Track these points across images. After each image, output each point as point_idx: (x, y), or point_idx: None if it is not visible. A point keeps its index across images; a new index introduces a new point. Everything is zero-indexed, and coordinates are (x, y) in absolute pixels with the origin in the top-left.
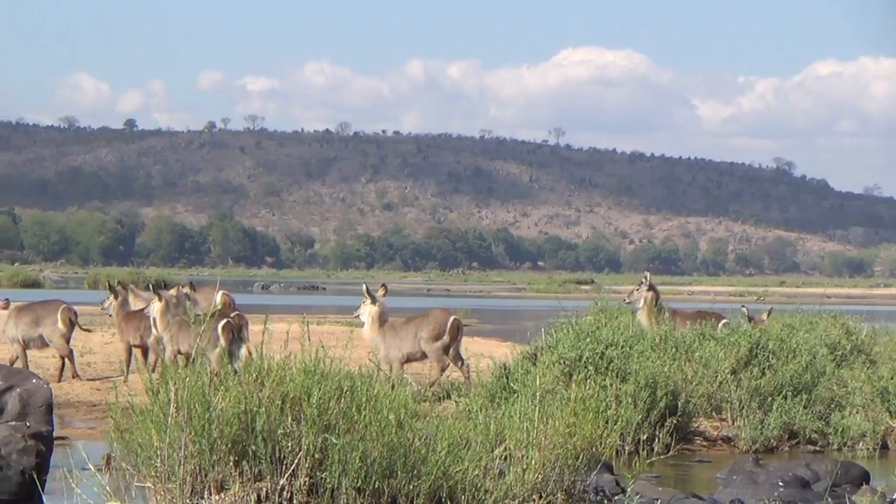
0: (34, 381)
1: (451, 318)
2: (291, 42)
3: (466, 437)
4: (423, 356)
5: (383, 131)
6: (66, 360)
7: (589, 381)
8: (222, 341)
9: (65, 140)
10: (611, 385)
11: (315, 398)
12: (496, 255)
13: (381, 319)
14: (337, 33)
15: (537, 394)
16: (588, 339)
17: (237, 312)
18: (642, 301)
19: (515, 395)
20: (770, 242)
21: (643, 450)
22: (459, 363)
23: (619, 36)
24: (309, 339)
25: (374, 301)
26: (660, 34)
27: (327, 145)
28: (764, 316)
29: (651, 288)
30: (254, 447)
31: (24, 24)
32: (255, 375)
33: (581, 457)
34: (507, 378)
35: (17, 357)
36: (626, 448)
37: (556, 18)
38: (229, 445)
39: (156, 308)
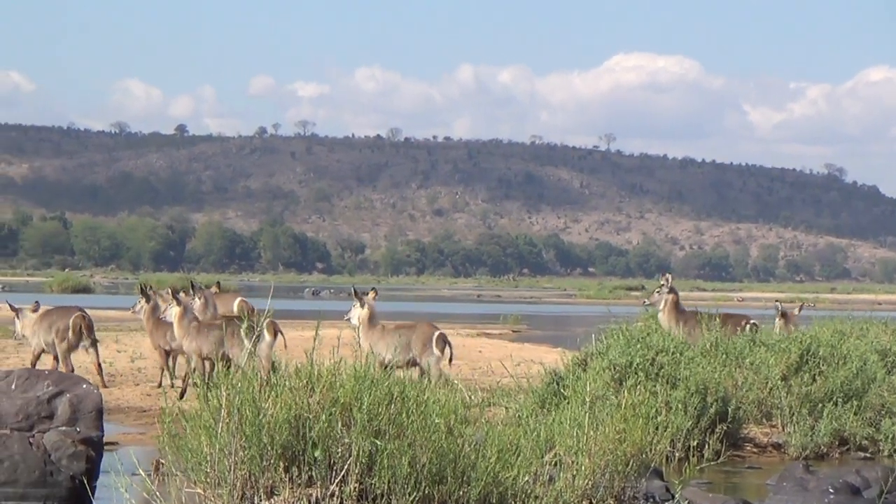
0: (84, 386)
1: (437, 333)
2: (342, 47)
3: (516, 443)
4: (407, 364)
5: (434, 137)
6: (62, 366)
7: (639, 387)
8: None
9: (116, 145)
10: (661, 391)
11: (365, 404)
12: (547, 261)
13: (371, 322)
14: (388, 39)
15: (587, 400)
16: (638, 345)
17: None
18: (663, 303)
19: (566, 401)
20: (821, 249)
21: (693, 456)
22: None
23: (671, 42)
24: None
25: (363, 304)
26: (711, 40)
27: (378, 151)
28: (796, 311)
29: (672, 290)
30: (305, 453)
31: (75, 30)
32: (305, 381)
33: (631, 463)
34: (557, 384)
35: (35, 360)
36: (677, 454)
37: (608, 24)
38: (279, 451)
39: (173, 313)
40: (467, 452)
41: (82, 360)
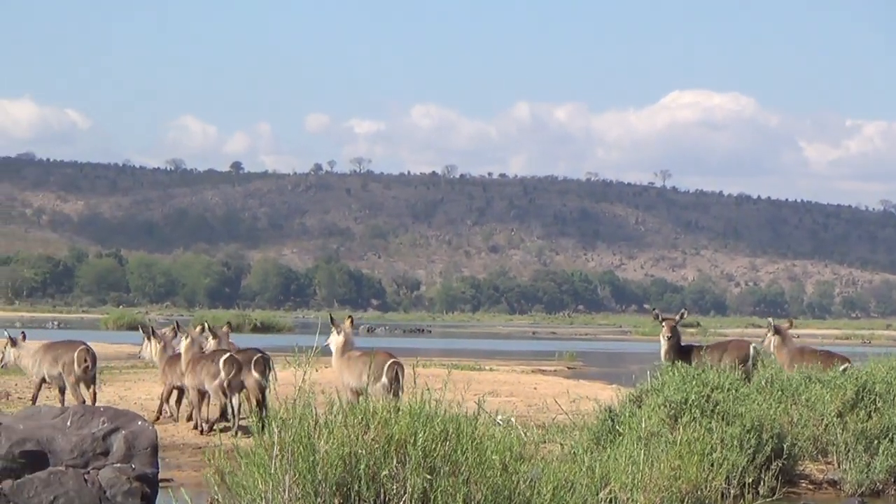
0: (140, 422)
1: (389, 361)
2: (398, 85)
3: (572, 480)
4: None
5: (489, 174)
6: (73, 397)
7: (694, 423)
8: (223, 375)
9: (171, 182)
10: (716, 428)
11: (420, 440)
12: (602, 298)
13: (345, 349)
14: (444, 76)
15: (643, 436)
16: (694, 382)
17: (260, 354)
18: (664, 339)
19: (621, 437)
20: (877, 285)
21: (748, 493)
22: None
23: (727, 79)
24: (415, 382)
25: (339, 331)
26: (767, 77)
27: (433, 188)
28: (786, 324)
29: (674, 324)
30: (359, 490)
31: (132, 68)
32: (360, 418)
33: (686, 500)
34: (612, 421)
35: (37, 391)
36: (732, 491)
37: (664, 62)
38: (333, 488)
39: (182, 345)
40: (522, 489)
41: (143, 397)
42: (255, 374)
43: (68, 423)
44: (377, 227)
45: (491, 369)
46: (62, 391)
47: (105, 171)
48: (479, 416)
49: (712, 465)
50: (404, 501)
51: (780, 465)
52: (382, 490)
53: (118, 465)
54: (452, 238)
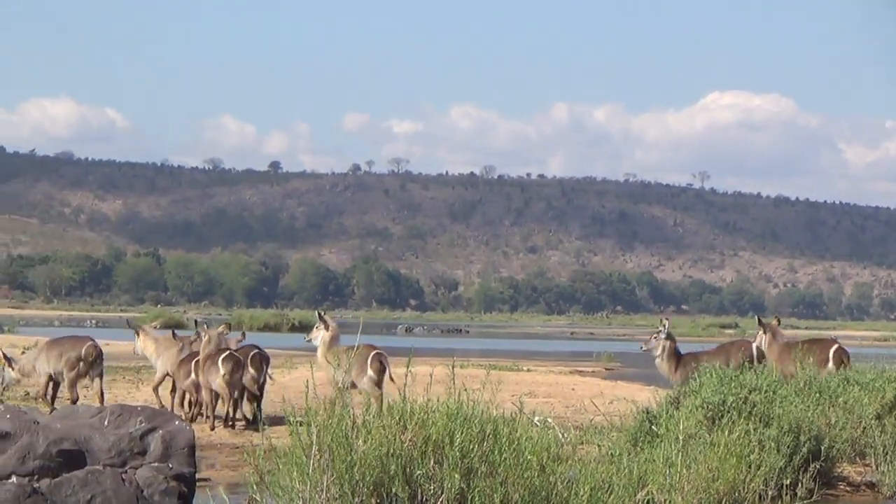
0: (177, 422)
1: (373, 353)
2: (437, 85)
3: (609, 481)
4: (354, 386)
5: (528, 174)
6: (70, 399)
7: (732, 425)
8: (223, 372)
9: (209, 182)
10: (754, 430)
11: (457, 441)
12: (640, 299)
13: (331, 345)
14: (483, 76)
15: (680, 438)
16: (731, 384)
17: (257, 351)
18: (660, 349)
19: (658, 439)
20: None
21: (786, 495)
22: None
23: (767, 80)
24: (453, 382)
25: (327, 327)
26: (807, 79)
27: (472, 188)
28: (774, 321)
29: (669, 336)
30: (397, 490)
31: (170, 68)
32: (398, 418)
33: (724, 501)
34: (649, 422)
35: (46, 388)
36: (769, 493)
37: (703, 63)
38: (371, 488)
39: (203, 343)
40: (560, 490)
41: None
42: (252, 371)
43: (105, 423)
44: (415, 227)
45: (529, 370)
46: (44, 387)
47: (143, 171)
48: (517, 417)
49: (750, 466)
50: (441, 502)
51: (817, 467)
52: (419, 490)
53: (155, 464)
54: (490, 238)
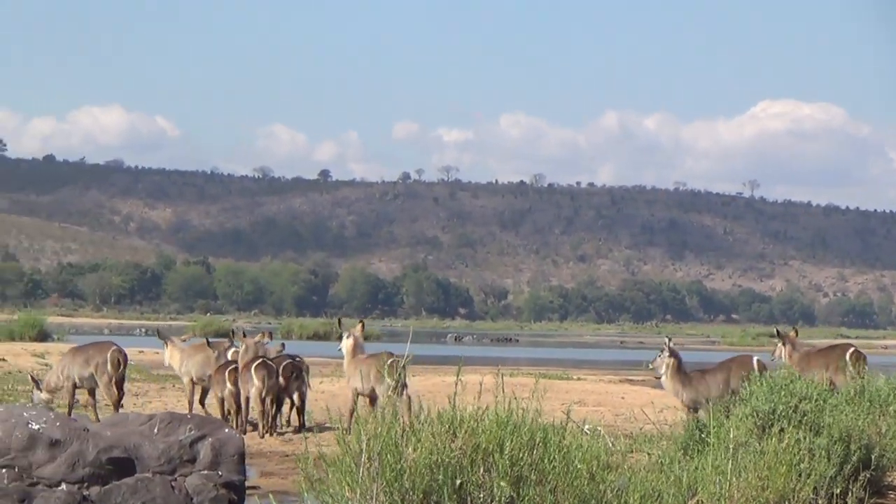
0: (227, 430)
1: (390, 361)
2: (487, 93)
3: (659, 490)
4: (374, 394)
5: (578, 183)
6: (114, 404)
7: (782, 434)
8: (257, 381)
9: (259, 190)
10: (804, 438)
11: (507, 449)
12: (690, 308)
13: (353, 352)
14: (533, 85)
15: (730, 447)
16: (782, 392)
17: (290, 360)
18: (664, 367)
19: (708, 447)
20: None
21: None
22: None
23: (817, 89)
24: (502, 391)
25: (348, 335)
26: (857, 87)
27: (521, 197)
28: (791, 333)
29: (672, 353)
30: (446, 498)
31: (221, 76)
32: (447, 426)
33: None
34: (699, 430)
35: (72, 396)
36: (819, 502)
37: (754, 72)
38: (421, 496)
39: (241, 350)
40: (609, 499)
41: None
42: (281, 380)
43: (155, 430)
44: (465, 235)
45: (578, 378)
46: (92, 393)
47: (193, 179)
48: (567, 425)
49: (800, 475)
50: None
51: (868, 476)
52: (469, 498)
53: (205, 472)
54: (540, 247)
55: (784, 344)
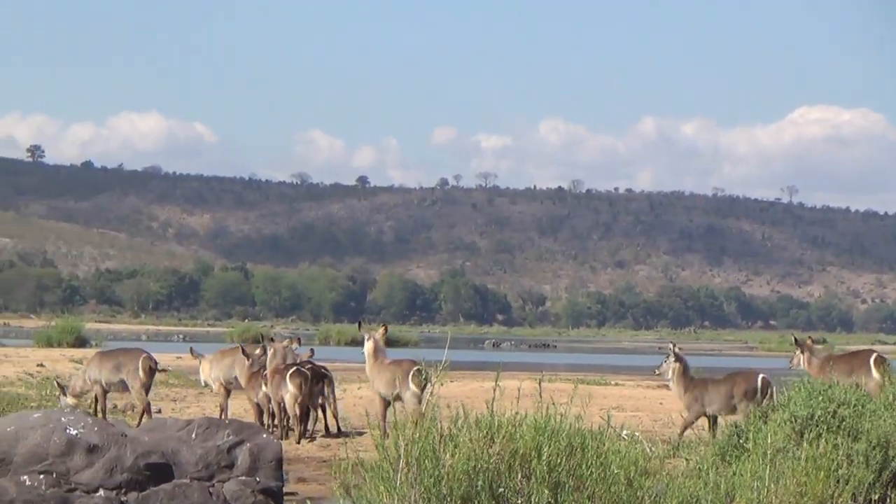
0: (264, 435)
1: (415, 368)
2: (526, 99)
3: (696, 496)
4: (398, 398)
5: (616, 189)
6: (143, 411)
7: (820, 440)
8: (291, 388)
9: (297, 196)
10: (842, 444)
11: (545, 455)
12: (728, 314)
13: (375, 356)
14: (571, 91)
15: (768, 452)
16: (820, 398)
17: (311, 365)
18: (671, 373)
19: (746, 453)
20: None
21: None
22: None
23: (856, 95)
24: (540, 397)
25: (369, 338)
26: None
27: (560, 202)
28: (808, 340)
29: (678, 359)
30: None
31: (259, 82)
32: (485, 432)
33: None
34: (737, 436)
35: (96, 399)
36: None
37: (792, 77)
38: (459, 502)
39: (269, 356)
40: None
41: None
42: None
43: (193, 436)
44: (503, 241)
45: (616, 384)
46: (101, 397)
47: (231, 185)
48: (605, 431)
49: (838, 481)
50: None
51: None
52: None
53: (243, 477)
54: (578, 253)
55: (802, 351)
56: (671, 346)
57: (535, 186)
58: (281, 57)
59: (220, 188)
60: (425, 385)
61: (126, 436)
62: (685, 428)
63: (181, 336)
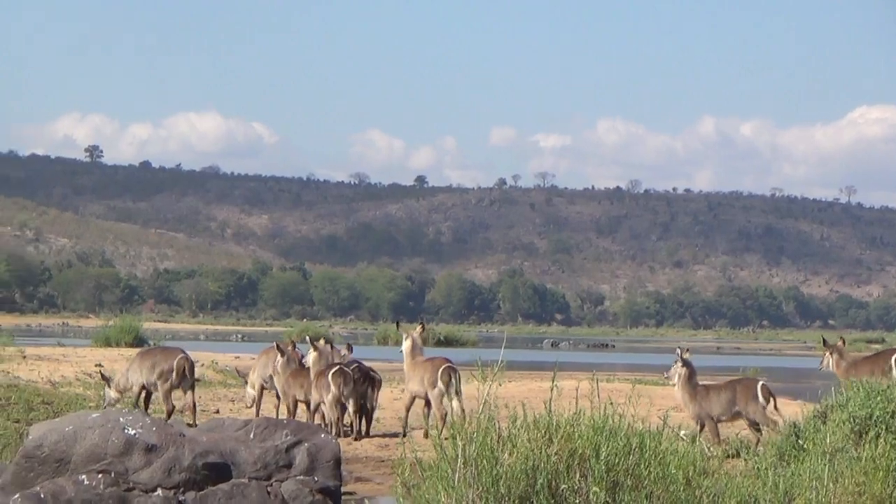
0: (322, 435)
1: (443, 366)
2: (584, 99)
3: (755, 496)
4: (428, 397)
5: (674, 189)
6: (168, 413)
7: (879, 440)
8: (333, 388)
9: (355, 196)
10: None
11: (603, 455)
12: (786, 314)
13: (412, 354)
14: (630, 91)
15: (827, 452)
16: (878, 398)
17: (355, 365)
18: (676, 377)
19: (805, 453)
20: None
21: None
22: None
23: None
24: (598, 396)
25: (407, 337)
26: None
27: (618, 202)
28: (839, 342)
29: (685, 364)
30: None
31: (318, 82)
32: (543, 431)
33: None
34: (796, 436)
35: (138, 399)
36: None
37: (851, 77)
38: (516, 501)
39: (310, 358)
40: None
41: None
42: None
43: (251, 436)
44: (561, 241)
45: (674, 384)
46: (138, 396)
47: (289, 185)
48: (663, 431)
49: None
50: None
51: None
52: (565, 503)
53: (301, 477)
54: (637, 253)
55: (831, 354)
56: (678, 350)
57: (593, 186)
58: (339, 57)
59: (279, 188)
60: (454, 383)
61: (184, 436)
62: (700, 432)
63: (240, 336)
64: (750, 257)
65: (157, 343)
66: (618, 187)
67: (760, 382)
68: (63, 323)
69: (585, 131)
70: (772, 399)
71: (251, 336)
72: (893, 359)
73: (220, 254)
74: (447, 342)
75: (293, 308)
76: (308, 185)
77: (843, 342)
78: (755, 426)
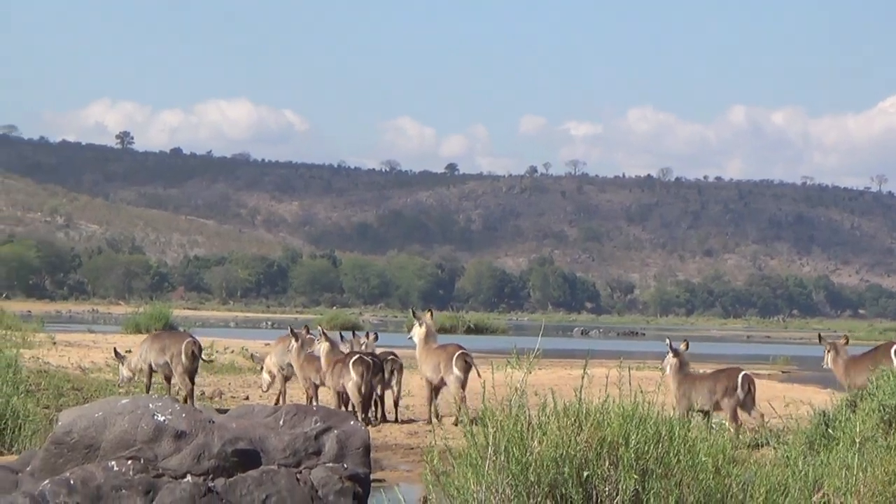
0: (352, 422)
1: (458, 353)
2: (615, 87)
3: (785, 484)
4: (443, 383)
5: (705, 177)
6: (187, 395)
7: None
8: (354, 375)
9: (386, 183)
10: None
11: (632, 442)
12: (816, 303)
13: (426, 341)
14: (660, 79)
15: (857, 441)
16: None
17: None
18: (669, 368)
19: (834, 442)
20: None
21: None
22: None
23: None
24: (629, 384)
25: (421, 323)
26: None
27: (648, 191)
28: (842, 340)
29: (676, 353)
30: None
31: (349, 69)
32: (573, 419)
33: None
34: (825, 425)
35: (150, 380)
36: None
37: (883, 66)
38: (547, 490)
39: (323, 348)
40: (735, 492)
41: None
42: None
43: (281, 423)
44: (591, 229)
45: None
46: (168, 380)
47: (320, 172)
48: (692, 419)
49: None
50: (616, 503)
51: None
52: (594, 492)
53: (330, 464)
54: (667, 241)
55: (828, 351)
56: (668, 340)
57: (623, 175)
58: (370, 44)
59: (309, 175)
60: (468, 369)
61: (213, 422)
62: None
63: (270, 323)
64: (780, 246)
65: (186, 330)
66: (648, 175)
67: (742, 373)
68: (93, 310)
69: (616, 120)
70: (750, 389)
71: (281, 323)
72: (893, 350)
73: (250, 241)
74: (477, 330)
75: (323, 296)
76: (339, 172)
77: (847, 340)
78: (733, 417)
